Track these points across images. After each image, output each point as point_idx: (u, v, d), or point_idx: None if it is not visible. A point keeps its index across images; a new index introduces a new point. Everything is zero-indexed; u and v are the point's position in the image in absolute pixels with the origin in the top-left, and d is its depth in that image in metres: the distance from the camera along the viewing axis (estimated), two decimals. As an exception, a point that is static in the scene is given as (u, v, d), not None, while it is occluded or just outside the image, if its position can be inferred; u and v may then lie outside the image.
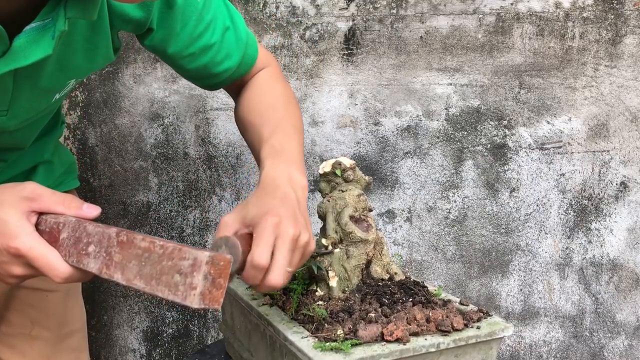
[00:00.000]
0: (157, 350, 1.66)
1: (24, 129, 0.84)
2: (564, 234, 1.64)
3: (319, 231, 0.97)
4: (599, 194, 1.63)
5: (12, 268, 0.65)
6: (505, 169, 1.60)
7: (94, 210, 0.69)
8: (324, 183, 0.97)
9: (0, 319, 1.00)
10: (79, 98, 1.53)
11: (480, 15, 1.54)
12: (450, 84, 1.56)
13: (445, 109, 1.57)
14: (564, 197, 1.63)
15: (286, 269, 0.69)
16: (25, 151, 0.92)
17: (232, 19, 0.93)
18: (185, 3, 0.85)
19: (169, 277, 0.58)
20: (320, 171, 0.96)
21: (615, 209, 1.63)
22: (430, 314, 0.80)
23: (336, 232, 0.91)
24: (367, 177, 0.97)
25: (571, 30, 1.56)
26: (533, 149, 1.60)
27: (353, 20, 1.52)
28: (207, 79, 0.96)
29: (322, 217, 0.95)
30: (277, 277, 0.68)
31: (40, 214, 0.68)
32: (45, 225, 0.68)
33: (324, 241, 0.91)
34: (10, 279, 0.67)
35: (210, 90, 1.01)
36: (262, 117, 0.90)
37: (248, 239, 0.71)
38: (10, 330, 1.01)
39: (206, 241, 1.61)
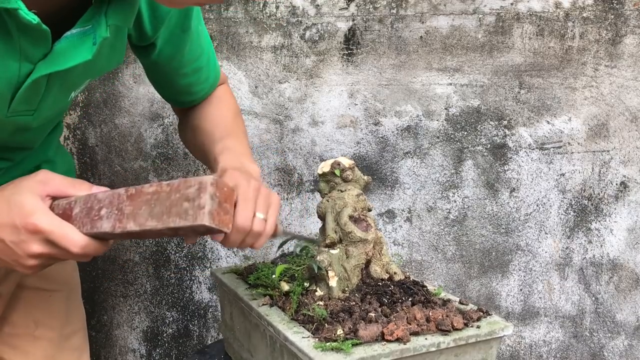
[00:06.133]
0: (157, 350, 1.66)
1: (39, 128, 0.87)
2: (564, 234, 1.64)
3: (318, 231, 0.97)
4: (599, 194, 1.63)
5: (30, 246, 0.67)
6: (505, 169, 1.60)
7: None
8: (323, 183, 0.97)
9: (4, 320, 1.00)
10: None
11: (480, 15, 1.54)
12: (450, 84, 1.56)
13: (445, 109, 1.57)
14: (564, 197, 1.63)
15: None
16: (31, 150, 0.93)
17: (211, 45, 1.04)
18: (195, 28, 0.94)
19: (179, 207, 0.61)
20: (320, 171, 0.96)
21: (615, 209, 1.63)
22: (430, 314, 0.80)
23: (335, 231, 0.91)
24: (366, 177, 0.97)
25: (571, 30, 1.56)
26: (533, 149, 1.60)
27: (353, 20, 1.52)
28: (184, 96, 1.04)
29: (322, 217, 0.95)
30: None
31: (54, 199, 0.71)
32: (58, 209, 0.71)
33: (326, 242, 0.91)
34: (28, 260, 0.68)
35: (177, 106, 1.09)
36: (213, 124, 1.00)
37: None
38: (14, 331, 1.01)
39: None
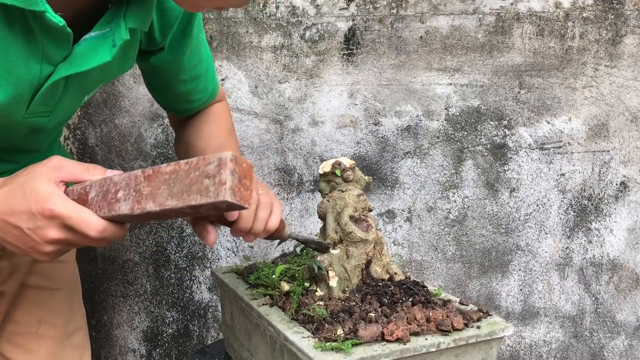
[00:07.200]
0: (157, 350, 1.66)
1: (51, 130, 0.88)
2: (564, 234, 1.64)
3: (319, 231, 0.97)
4: (599, 194, 1.63)
5: (47, 232, 0.67)
6: (505, 169, 1.60)
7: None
8: (323, 183, 0.97)
9: (8, 318, 1.01)
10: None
11: (480, 15, 1.54)
12: (450, 84, 1.56)
13: (445, 109, 1.57)
14: (564, 197, 1.63)
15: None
16: (39, 153, 0.94)
17: (211, 55, 1.05)
18: (196, 35, 0.96)
19: (199, 185, 0.61)
20: (320, 171, 0.96)
21: (615, 209, 1.64)
22: (431, 314, 0.80)
23: (336, 232, 0.91)
24: (367, 177, 0.97)
25: (571, 30, 1.56)
26: (533, 149, 1.60)
27: (353, 20, 1.52)
28: (182, 103, 1.05)
29: (322, 217, 0.95)
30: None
31: (67, 185, 0.71)
32: (73, 194, 0.71)
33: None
34: (45, 246, 0.68)
35: (175, 114, 1.10)
36: (206, 143, 1.02)
37: None
38: (17, 329, 1.02)
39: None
